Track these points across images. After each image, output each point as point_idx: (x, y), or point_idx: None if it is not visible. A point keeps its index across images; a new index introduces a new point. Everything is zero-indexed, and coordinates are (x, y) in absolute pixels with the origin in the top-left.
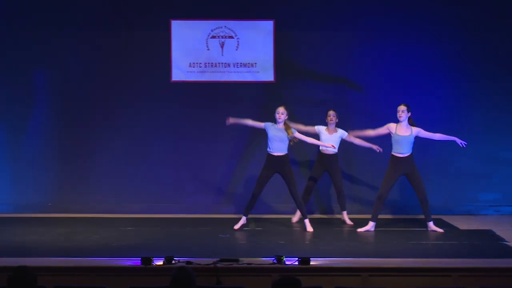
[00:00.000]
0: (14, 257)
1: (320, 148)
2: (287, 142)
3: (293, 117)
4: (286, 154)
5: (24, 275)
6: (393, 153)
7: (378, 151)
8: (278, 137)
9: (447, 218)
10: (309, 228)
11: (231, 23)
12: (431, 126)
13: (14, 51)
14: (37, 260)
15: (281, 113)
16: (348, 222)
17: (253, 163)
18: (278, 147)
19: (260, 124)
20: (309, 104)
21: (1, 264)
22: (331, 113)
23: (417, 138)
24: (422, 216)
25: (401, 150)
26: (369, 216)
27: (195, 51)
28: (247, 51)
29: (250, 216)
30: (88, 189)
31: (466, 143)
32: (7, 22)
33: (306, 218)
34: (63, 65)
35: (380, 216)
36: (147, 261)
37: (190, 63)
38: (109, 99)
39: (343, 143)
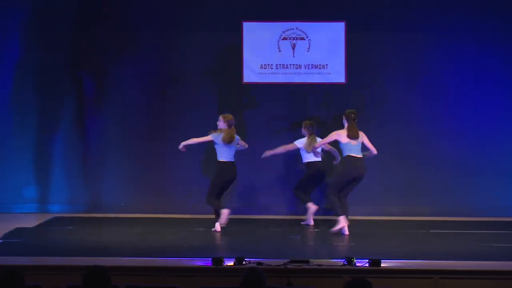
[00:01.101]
0: (89, 256)
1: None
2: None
3: (365, 120)
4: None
5: (99, 275)
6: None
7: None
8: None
9: None
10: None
11: (303, 25)
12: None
13: (92, 50)
14: (111, 259)
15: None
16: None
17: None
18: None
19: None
20: (381, 106)
21: (76, 263)
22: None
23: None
24: (495, 219)
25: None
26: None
27: (267, 52)
28: (318, 53)
29: (318, 217)
30: (160, 190)
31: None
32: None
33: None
34: (134, 66)
35: (452, 218)
36: (218, 261)
37: (261, 65)
38: (179, 100)
39: None
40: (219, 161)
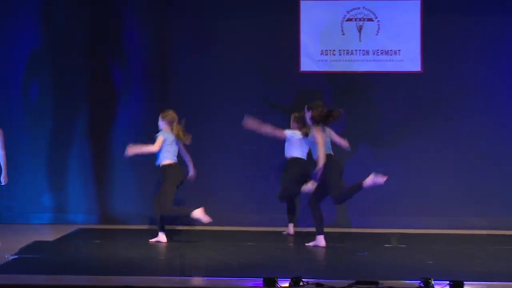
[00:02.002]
0: (118, 275)
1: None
2: None
3: (441, 114)
4: None
5: None
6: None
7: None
8: None
9: None
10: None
11: (371, 3)
12: None
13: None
14: (144, 279)
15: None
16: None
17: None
18: None
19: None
20: (462, 99)
21: (104, 283)
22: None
23: None
24: None
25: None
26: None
27: (328, 36)
28: (389, 36)
29: (388, 230)
30: (198, 198)
31: None
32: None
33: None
34: (171, 57)
35: None
36: (270, 282)
37: (322, 51)
38: (224, 93)
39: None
40: (169, 164)
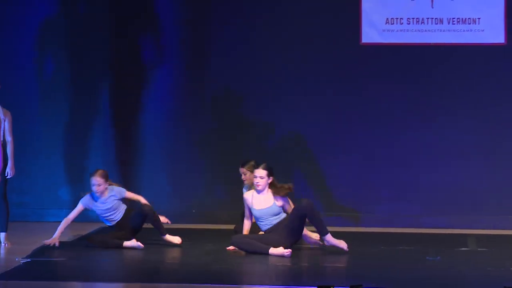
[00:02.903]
0: (148, 282)
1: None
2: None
3: None
4: None
5: None
6: None
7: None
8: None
9: None
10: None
11: None
12: None
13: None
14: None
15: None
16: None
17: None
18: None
19: None
20: None
21: None
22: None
23: None
24: None
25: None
26: None
27: (395, 2)
28: (467, 2)
29: (465, 231)
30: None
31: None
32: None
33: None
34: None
35: None
36: None
37: (387, 19)
38: (281, 65)
39: None
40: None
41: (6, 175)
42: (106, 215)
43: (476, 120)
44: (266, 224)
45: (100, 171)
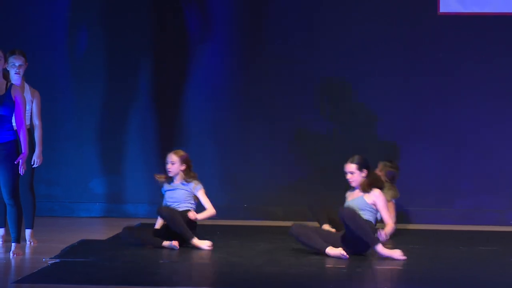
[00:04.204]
0: (196, 287)
1: None
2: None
3: None
4: None
5: None
6: None
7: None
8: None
9: None
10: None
11: None
12: None
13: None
14: None
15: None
16: None
17: None
18: None
19: None
20: None
21: None
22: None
23: None
24: None
25: None
26: None
27: None
28: None
29: None
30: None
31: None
32: None
33: None
34: None
35: None
36: None
37: None
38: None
39: None
40: None
41: (32, 163)
42: (170, 203)
43: None
44: None
45: (179, 151)
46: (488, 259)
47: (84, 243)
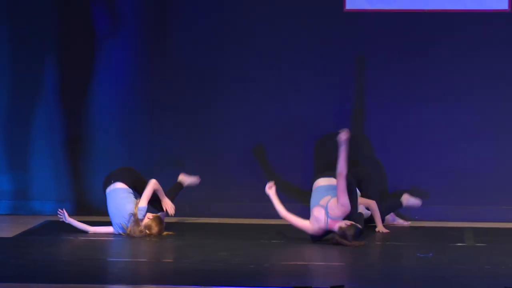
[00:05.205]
0: (97, 283)
1: None
2: None
3: None
4: None
5: None
6: None
7: None
8: None
9: None
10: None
11: None
12: None
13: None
14: None
15: None
16: None
17: None
18: None
19: None
20: None
21: None
22: None
23: None
24: None
25: None
26: None
27: None
28: None
29: (462, 224)
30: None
31: None
32: None
33: None
34: None
35: None
36: None
37: None
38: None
39: None
40: None
41: None
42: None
43: (477, 89)
44: None
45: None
46: (397, 253)
47: None
